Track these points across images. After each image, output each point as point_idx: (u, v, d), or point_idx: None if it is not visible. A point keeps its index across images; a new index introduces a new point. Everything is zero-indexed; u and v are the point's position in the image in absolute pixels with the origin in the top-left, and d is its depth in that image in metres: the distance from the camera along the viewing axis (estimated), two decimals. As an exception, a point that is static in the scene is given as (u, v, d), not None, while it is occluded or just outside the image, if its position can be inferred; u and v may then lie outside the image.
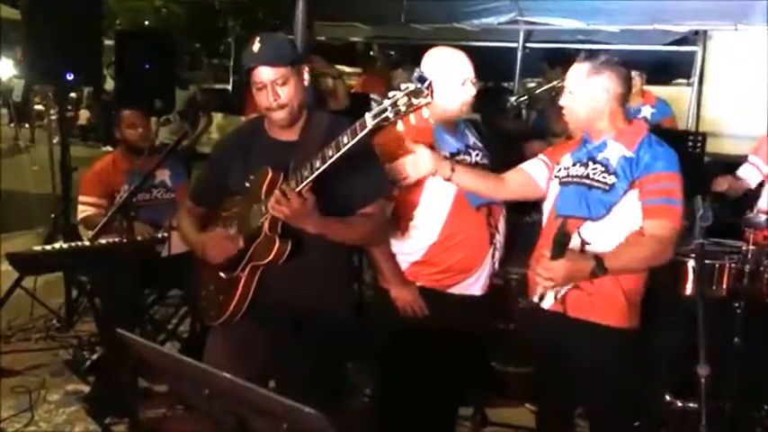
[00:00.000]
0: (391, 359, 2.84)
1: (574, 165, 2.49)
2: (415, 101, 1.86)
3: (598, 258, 2.27)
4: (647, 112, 4.79)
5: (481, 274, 2.74)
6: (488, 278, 2.79)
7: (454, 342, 2.69)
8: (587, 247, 2.38)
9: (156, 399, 3.31)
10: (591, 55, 2.43)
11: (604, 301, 2.37)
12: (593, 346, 2.40)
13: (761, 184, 3.71)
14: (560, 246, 2.28)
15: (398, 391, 2.82)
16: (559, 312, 2.44)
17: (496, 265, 2.83)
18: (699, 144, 3.95)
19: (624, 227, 2.36)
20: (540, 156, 2.65)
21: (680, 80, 6.74)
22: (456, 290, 2.71)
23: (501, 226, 2.81)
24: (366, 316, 3.14)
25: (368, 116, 1.91)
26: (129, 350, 3.28)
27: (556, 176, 2.55)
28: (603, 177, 2.37)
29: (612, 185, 2.35)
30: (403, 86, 1.88)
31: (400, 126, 1.94)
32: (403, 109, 1.86)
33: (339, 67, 9.38)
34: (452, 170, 2.50)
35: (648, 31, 5.86)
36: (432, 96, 1.88)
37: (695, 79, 5.89)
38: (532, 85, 5.71)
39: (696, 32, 5.99)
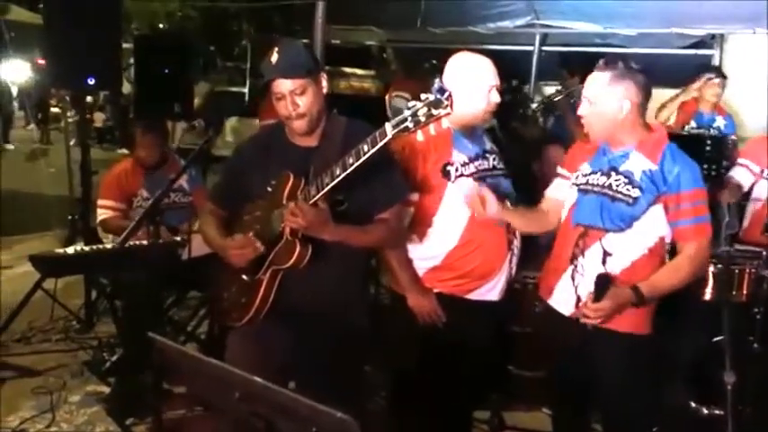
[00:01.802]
0: (407, 362, 2.85)
1: (594, 173, 2.47)
2: (434, 111, 1.90)
3: (638, 290, 2.29)
4: (720, 123, 4.74)
5: (499, 280, 2.75)
6: (506, 283, 2.79)
7: (471, 347, 2.70)
8: (608, 258, 2.38)
9: (176, 400, 3.33)
10: (609, 62, 2.39)
11: (630, 310, 2.36)
12: (615, 354, 2.40)
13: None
14: (602, 290, 2.31)
15: (415, 394, 2.83)
16: (577, 318, 2.43)
17: (514, 271, 2.84)
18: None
19: (646, 238, 2.37)
20: (558, 171, 2.65)
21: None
22: (473, 296, 2.72)
23: (518, 231, 2.81)
24: (382, 319, 3.16)
25: (388, 125, 1.94)
26: (151, 352, 3.34)
27: (574, 183, 2.53)
28: (627, 190, 2.35)
29: (636, 199, 2.34)
30: (423, 97, 1.91)
31: (420, 136, 1.97)
32: (423, 119, 1.90)
33: (352, 69, 9.42)
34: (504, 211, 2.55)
35: (665, 34, 5.83)
36: (451, 107, 1.92)
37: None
38: (551, 92, 5.70)
39: (713, 36, 5.97)
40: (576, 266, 2.42)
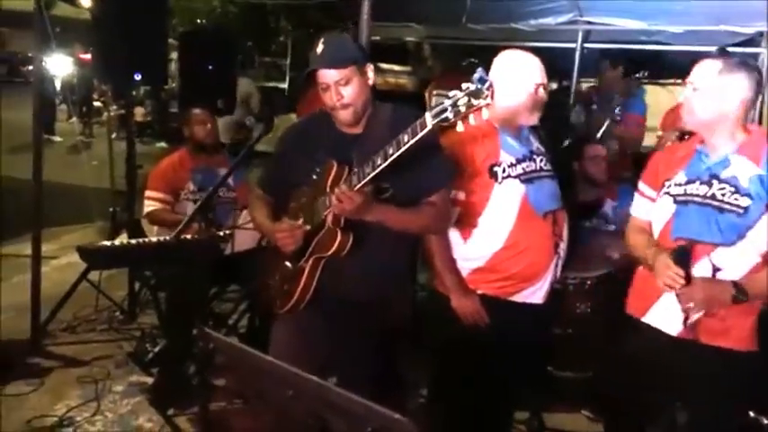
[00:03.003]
0: (447, 361, 2.84)
1: (691, 182, 2.28)
2: (474, 101, 1.87)
3: (738, 285, 2.15)
4: None
5: (544, 283, 2.72)
6: (550, 286, 2.76)
7: (512, 348, 2.67)
8: (718, 273, 2.21)
9: (216, 392, 3.38)
10: (723, 54, 2.23)
11: (737, 325, 2.25)
12: (728, 372, 2.25)
13: None
14: (683, 261, 2.18)
15: (455, 394, 2.82)
16: (690, 339, 2.28)
17: (558, 274, 2.81)
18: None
19: (758, 249, 2.19)
20: (640, 187, 2.49)
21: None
22: (518, 298, 2.69)
23: (565, 234, 2.78)
24: (422, 317, 3.15)
25: (428, 115, 1.93)
26: (195, 344, 3.38)
27: (667, 193, 2.34)
28: (736, 199, 2.17)
29: (747, 208, 2.15)
30: (464, 86, 1.89)
31: (460, 127, 1.94)
32: (463, 109, 1.87)
33: (389, 65, 9.41)
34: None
35: (713, 32, 5.69)
36: (492, 97, 1.88)
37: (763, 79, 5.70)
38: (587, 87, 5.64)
39: (761, 33, 5.82)
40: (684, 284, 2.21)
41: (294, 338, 2.41)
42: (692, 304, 2.19)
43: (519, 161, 2.66)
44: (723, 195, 2.20)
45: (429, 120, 1.93)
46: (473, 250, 2.68)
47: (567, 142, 4.26)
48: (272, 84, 10.29)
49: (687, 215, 2.27)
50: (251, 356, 1.49)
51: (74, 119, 12.65)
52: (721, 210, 2.19)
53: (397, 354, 2.58)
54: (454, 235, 2.68)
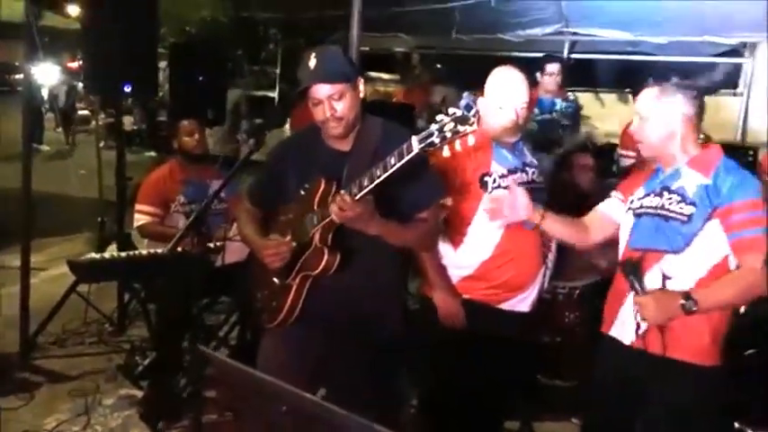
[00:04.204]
0: (438, 371, 2.86)
1: (647, 195, 2.41)
2: (460, 128, 1.90)
3: (687, 295, 2.19)
4: (560, 105, 4.99)
5: (531, 292, 2.76)
6: (538, 295, 2.81)
7: (502, 356, 2.71)
8: (668, 282, 2.28)
9: (208, 405, 3.36)
10: (660, 79, 2.38)
11: (689, 337, 2.27)
12: (674, 385, 2.29)
13: None
14: (633, 277, 2.26)
15: (445, 404, 2.84)
16: (641, 349, 2.33)
17: (546, 284, 2.86)
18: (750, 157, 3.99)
19: (707, 259, 2.26)
20: (613, 193, 2.60)
21: (725, 90, 6.67)
22: (506, 306, 2.73)
23: (553, 244, 2.82)
24: (409, 326, 3.17)
25: (414, 140, 1.95)
26: (186, 358, 3.37)
27: (629, 208, 2.47)
28: (680, 208, 2.28)
29: (690, 216, 2.25)
30: (450, 111, 1.91)
31: (446, 152, 1.97)
32: (448, 135, 1.90)
33: (378, 74, 9.45)
34: (543, 217, 2.50)
35: (697, 42, 5.79)
36: (478, 124, 1.92)
37: (744, 90, 5.80)
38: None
39: (744, 44, 5.92)
40: (636, 293, 2.29)
41: (282, 353, 2.41)
42: (646, 314, 2.25)
43: (510, 172, 2.70)
44: (670, 205, 2.30)
45: (415, 144, 1.95)
46: (463, 258, 2.72)
47: (560, 150, 4.31)
48: (261, 92, 10.29)
49: (641, 226, 2.38)
50: (243, 373, 1.50)
51: (60, 128, 12.62)
52: (667, 218, 2.29)
53: (391, 367, 2.59)
54: (444, 243, 2.72)
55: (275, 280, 2.39)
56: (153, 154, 10.82)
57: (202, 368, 2.06)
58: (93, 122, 9.74)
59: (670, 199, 2.32)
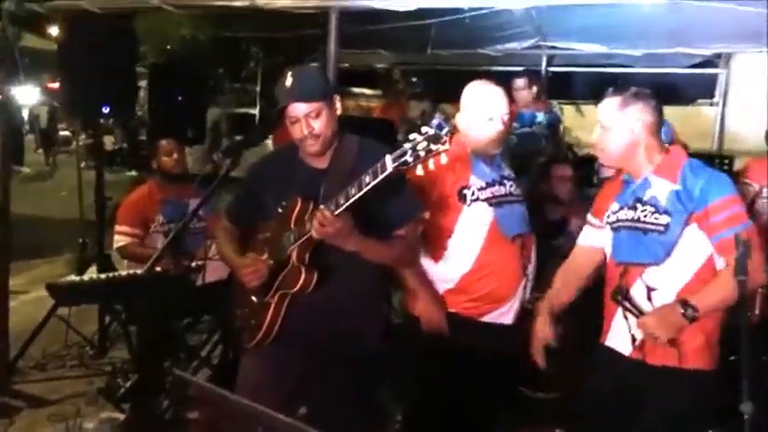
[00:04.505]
0: (421, 385, 2.86)
1: (621, 209, 2.39)
2: (433, 147, 1.91)
3: (685, 302, 2.17)
4: (542, 118, 5.01)
5: (513, 305, 2.77)
6: (520, 307, 2.82)
7: (484, 369, 2.71)
8: (653, 293, 2.27)
9: (190, 426, 3.34)
10: (619, 88, 2.36)
11: (684, 343, 2.24)
12: (672, 391, 2.27)
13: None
14: (627, 303, 2.26)
15: (429, 418, 2.84)
16: (638, 359, 2.31)
17: (527, 295, 2.87)
18: (726, 165, 4.06)
19: (690, 264, 2.24)
20: (589, 218, 2.58)
21: (702, 100, 6.78)
22: (488, 318, 2.74)
23: (533, 256, 2.83)
24: (393, 341, 3.17)
25: (388, 158, 1.97)
26: (167, 380, 3.34)
27: (607, 223, 2.45)
28: (656, 218, 2.27)
29: (667, 225, 2.23)
30: (423, 130, 1.93)
31: (420, 170, 1.99)
32: (422, 154, 1.92)
33: (361, 89, 9.50)
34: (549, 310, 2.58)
35: (671, 54, 5.88)
36: (450, 143, 1.93)
37: (720, 100, 5.90)
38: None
39: (719, 55, 6.03)
40: (636, 317, 2.28)
41: (260, 372, 2.40)
42: (653, 333, 2.22)
43: (489, 185, 2.73)
44: (645, 217, 2.29)
45: (389, 163, 1.96)
46: (444, 272, 2.73)
47: (541, 159, 4.35)
48: (243, 110, 10.31)
49: (620, 240, 2.38)
50: (219, 396, 1.49)
51: (41, 150, 12.55)
52: (645, 231, 2.29)
53: (372, 382, 2.59)
54: (425, 257, 2.73)
55: (254, 298, 2.39)
56: (134, 173, 10.78)
57: (184, 390, 2.05)
58: (74, 143, 9.68)
59: (644, 210, 2.31)
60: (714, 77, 6.18)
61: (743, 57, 5.93)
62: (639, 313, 2.26)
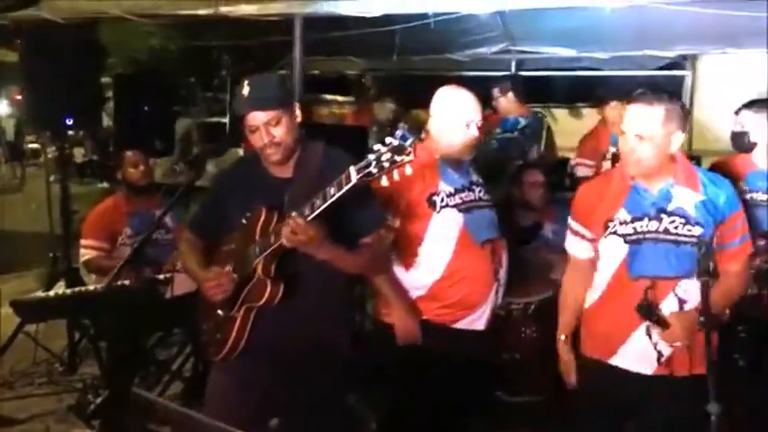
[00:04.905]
0: (397, 392, 2.85)
1: (638, 219, 2.26)
2: (397, 158, 1.89)
3: (700, 311, 2.09)
4: (523, 122, 4.96)
5: (485, 310, 2.78)
6: (492, 312, 2.82)
7: (459, 375, 2.71)
8: (685, 306, 2.22)
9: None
10: (650, 93, 2.21)
11: (699, 349, 2.18)
12: (676, 398, 2.24)
13: None
14: (647, 315, 2.19)
15: (404, 426, 2.82)
16: (664, 375, 2.27)
17: (500, 300, 2.88)
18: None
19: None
20: (571, 225, 2.47)
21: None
22: (461, 324, 2.74)
23: (504, 260, 2.84)
24: (367, 347, 3.15)
25: (352, 170, 1.95)
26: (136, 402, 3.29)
27: (614, 233, 2.29)
28: (689, 230, 2.20)
29: (700, 237, 2.19)
30: (387, 141, 1.92)
31: (384, 181, 1.96)
32: (386, 165, 1.90)
33: (332, 96, 9.47)
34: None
35: (638, 56, 5.95)
36: (414, 154, 1.92)
37: (687, 102, 5.97)
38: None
39: (685, 57, 6.11)
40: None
41: (227, 387, 2.37)
42: (678, 343, 2.21)
43: (458, 191, 2.72)
44: (676, 228, 2.22)
45: (353, 175, 1.95)
46: (415, 279, 2.73)
47: (518, 164, 4.35)
48: (214, 119, 10.20)
49: (643, 254, 2.25)
50: (181, 415, 1.46)
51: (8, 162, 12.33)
52: (677, 243, 2.21)
53: (342, 390, 2.57)
54: (396, 265, 2.72)
55: (219, 312, 2.35)
56: (105, 185, 10.60)
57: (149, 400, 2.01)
58: (43, 156, 9.52)
59: (673, 221, 2.23)
60: (681, 79, 6.25)
61: (708, 58, 6.01)
62: (666, 327, 2.19)
